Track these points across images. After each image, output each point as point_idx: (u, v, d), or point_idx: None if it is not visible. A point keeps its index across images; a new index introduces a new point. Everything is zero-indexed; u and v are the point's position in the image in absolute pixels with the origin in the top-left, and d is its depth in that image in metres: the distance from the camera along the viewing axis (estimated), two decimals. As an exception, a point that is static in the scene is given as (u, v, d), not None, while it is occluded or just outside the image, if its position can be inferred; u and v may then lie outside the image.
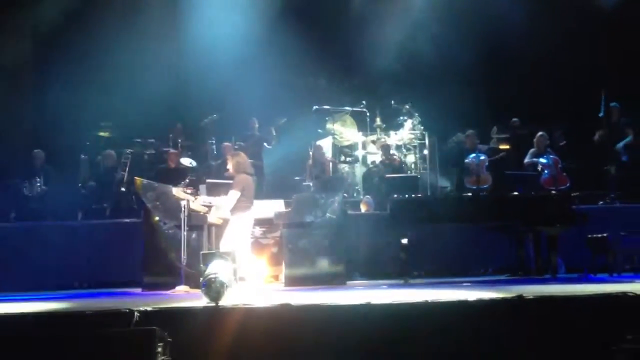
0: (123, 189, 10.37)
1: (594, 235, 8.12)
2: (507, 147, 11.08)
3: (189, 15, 11.87)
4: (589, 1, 11.49)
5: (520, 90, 11.48)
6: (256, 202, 7.75)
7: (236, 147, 10.67)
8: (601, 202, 9.86)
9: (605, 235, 8.03)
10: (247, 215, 7.43)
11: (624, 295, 4.87)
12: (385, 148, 10.87)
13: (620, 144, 10.28)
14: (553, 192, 9.40)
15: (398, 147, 11.10)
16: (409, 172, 10.80)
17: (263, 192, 10.02)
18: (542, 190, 9.60)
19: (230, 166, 7.60)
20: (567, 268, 8.57)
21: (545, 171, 10.01)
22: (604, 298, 4.93)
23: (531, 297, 4.94)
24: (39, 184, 10.08)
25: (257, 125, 11.42)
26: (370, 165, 11.19)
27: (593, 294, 5.11)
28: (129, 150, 10.94)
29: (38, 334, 4.59)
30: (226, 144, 10.91)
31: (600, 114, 10.30)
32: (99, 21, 11.76)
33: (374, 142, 11.35)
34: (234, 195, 7.31)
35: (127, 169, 10.54)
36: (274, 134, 11.37)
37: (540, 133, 10.38)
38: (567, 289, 6.09)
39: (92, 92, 11.31)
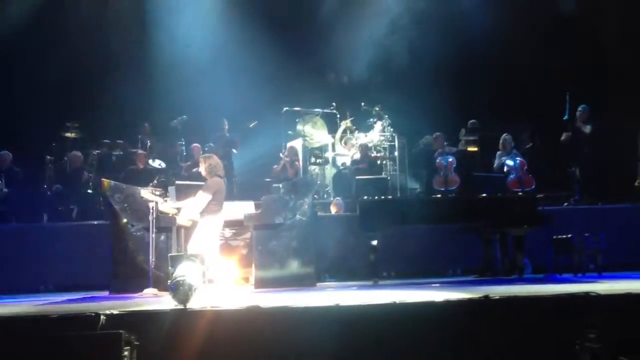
0: (90, 191, 10.23)
1: (559, 236, 8.28)
2: (475, 149, 11.23)
3: (158, 16, 11.76)
4: (556, 5, 11.70)
5: (488, 92, 11.64)
6: (226, 204, 7.70)
7: (206, 148, 10.61)
8: (566, 204, 10.06)
9: (569, 236, 8.19)
10: (216, 218, 7.38)
11: (587, 295, 4.99)
12: (364, 147, 10.92)
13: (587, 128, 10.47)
14: (519, 193, 9.57)
15: (368, 149, 11.16)
16: (383, 173, 10.88)
17: (233, 193, 9.98)
18: (509, 191, 9.76)
19: (202, 169, 7.53)
20: (533, 268, 8.72)
21: (512, 173, 10.18)
22: (568, 298, 5.04)
23: (497, 297, 5.03)
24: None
25: (226, 127, 11.37)
26: (341, 167, 11.22)
27: (557, 293, 5.22)
28: (96, 151, 10.80)
29: (2, 337, 4.50)
30: (196, 145, 10.85)
31: (565, 117, 10.52)
32: (65, 20, 11.59)
33: (344, 142, 11.37)
34: (204, 198, 7.25)
35: (94, 170, 10.40)
36: (238, 140, 11.32)
37: (505, 134, 10.56)
38: (532, 289, 6.21)
39: (58, 92, 11.14)
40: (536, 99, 11.47)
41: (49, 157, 10.72)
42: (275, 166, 10.81)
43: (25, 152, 10.68)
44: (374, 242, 7.84)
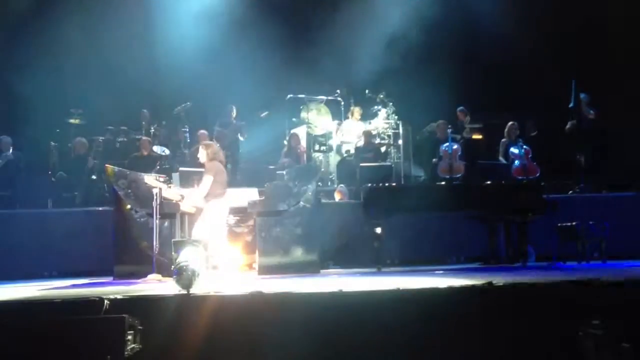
0: (94, 177, 10.23)
1: (564, 224, 8.25)
2: (480, 136, 11.20)
3: (163, 2, 11.71)
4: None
5: (493, 79, 11.57)
6: (230, 191, 7.70)
7: (215, 131, 10.61)
8: (571, 192, 10.03)
9: (574, 224, 8.16)
10: (220, 203, 7.40)
11: (590, 282, 4.98)
12: (367, 134, 10.89)
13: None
14: (524, 181, 9.53)
15: (372, 136, 11.14)
16: (387, 160, 10.85)
17: (237, 180, 9.98)
18: (514, 179, 9.72)
19: (202, 155, 7.54)
20: (537, 256, 8.70)
21: (516, 161, 10.14)
22: (572, 285, 5.03)
23: (501, 284, 5.02)
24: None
25: (234, 114, 11.34)
26: (345, 155, 11.20)
27: (561, 280, 5.21)
28: (101, 138, 10.81)
29: (7, 321, 4.52)
30: (202, 131, 10.82)
31: (571, 105, 10.46)
32: (69, 7, 11.54)
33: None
34: (207, 180, 7.27)
35: (99, 156, 10.41)
36: (244, 127, 11.31)
37: (511, 122, 10.52)
38: (536, 276, 6.19)
39: (62, 78, 11.12)
40: (541, 87, 11.39)
41: (53, 143, 10.74)
42: (283, 157, 10.74)
43: (30, 138, 10.69)
44: (378, 230, 7.83)
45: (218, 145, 7.82)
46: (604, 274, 5.64)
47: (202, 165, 7.63)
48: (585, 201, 9.50)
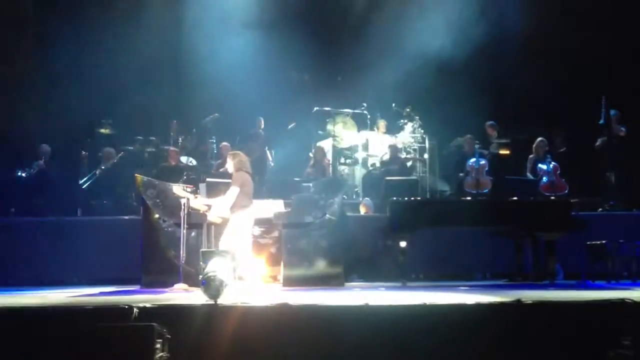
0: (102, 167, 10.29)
1: (593, 242, 8.14)
2: (507, 152, 11.12)
3: (194, 14, 11.88)
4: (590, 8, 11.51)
5: (522, 95, 11.50)
6: (256, 202, 7.74)
7: (241, 146, 10.72)
8: (600, 209, 9.89)
9: (604, 242, 8.04)
10: (246, 214, 7.42)
11: (621, 302, 4.89)
12: (393, 148, 10.89)
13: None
14: (552, 197, 9.43)
15: (398, 150, 11.13)
16: (413, 174, 10.84)
17: (263, 192, 10.03)
18: (541, 195, 9.62)
19: (230, 165, 7.59)
20: (565, 274, 8.59)
21: (544, 177, 10.05)
22: (602, 304, 4.95)
23: (530, 302, 4.96)
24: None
25: (262, 125, 11.43)
26: (371, 168, 11.20)
27: (591, 300, 5.13)
28: (130, 147, 10.98)
29: (37, 327, 4.59)
30: (225, 144, 10.92)
31: (601, 121, 10.35)
32: (101, 17, 11.76)
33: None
34: (233, 191, 7.30)
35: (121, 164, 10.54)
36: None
37: (539, 139, 10.43)
38: (565, 295, 6.11)
39: (93, 88, 11.33)
40: (570, 103, 11.29)
41: (84, 152, 10.93)
42: (309, 169, 10.79)
43: (62, 146, 10.89)
44: (403, 244, 7.79)
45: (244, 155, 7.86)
46: (635, 294, 5.54)
47: (230, 176, 7.68)
48: (615, 219, 9.36)
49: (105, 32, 11.52)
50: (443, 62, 11.42)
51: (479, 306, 4.96)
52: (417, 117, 11.41)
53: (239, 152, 8.00)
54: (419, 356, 4.66)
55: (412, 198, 8.72)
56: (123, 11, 11.93)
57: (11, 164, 10.35)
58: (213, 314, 4.79)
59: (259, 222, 8.09)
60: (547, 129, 10.89)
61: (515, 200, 8.29)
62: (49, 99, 11.09)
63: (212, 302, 5.02)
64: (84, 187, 10.36)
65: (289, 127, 11.56)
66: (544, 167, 10.12)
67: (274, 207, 8.13)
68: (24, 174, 10.20)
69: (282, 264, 7.93)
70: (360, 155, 11.35)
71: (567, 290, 6.95)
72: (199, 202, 7.63)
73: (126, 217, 9.44)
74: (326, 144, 11.33)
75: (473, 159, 10.39)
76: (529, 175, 10.31)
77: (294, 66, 11.54)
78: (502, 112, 11.49)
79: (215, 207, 7.49)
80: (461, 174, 10.58)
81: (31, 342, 4.45)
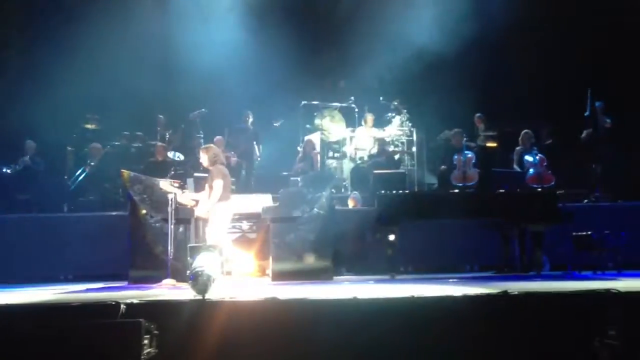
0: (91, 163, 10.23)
1: (579, 233, 8.20)
2: (494, 144, 11.17)
3: (179, 9, 11.79)
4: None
5: (508, 88, 11.54)
6: (243, 197, 7.73)
7: (230, 139, 10.68)
8: (586, 201, 9.97)
9: (589, 233, 8.10)
10: (227, 205, 7.41)
11: (607, 292, 4.94)
12: (381, 141, 10.89)
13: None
14: (538, 189, 9.49)
15: (386, 143, 11.14)
16: (400, 168, 10.85)
17: (251, 186, 10.02)
18: (528, 187, 9.69)
19: (205, 159, 7.56)
20: (551, 265, 8.66)
21: (531, 169, 10.10)
22: (588, 295, 5.00)
23: (516, 293, 5.00)
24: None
25: (250, 119, 11.38)
26: (359, 162, 11.21)
27: (577, 290, 5.18)
28: (116, 143, 10.90)
29: (24, 325, 4.56)
30: (218, 137, 10.85)
31: (586, 113, 10.42)
32: (86, 13, 11.65)
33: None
34: (218, 184, 7.30)
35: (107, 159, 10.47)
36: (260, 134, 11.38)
37: (525, 130, 10.48)
38: (551, 286, 6.17)
39: (79, 83, 11.23)
40: (556, 95, 11.35)
41: (69, 148, 10.84)
42: (298, 164, 10.76)
43: (47, 142, 10.79)
44: (392, 237, 7.82)
45: (218, 148, 7.83)
46: (620, 284, 5.60)
47: (205, 170, 7.64)
48: (601, 210, 9.44)
49: (91, 27, 11.40)
50: (431, 55, 11.42)
51: (466, 298, 5.00)
52: (405, 110, 11.41)
53: (211, 145, 7.98)
54: (408, 348, 4.68)
55: (400, 191, 8.73)
56: (108, 8, 11.82)
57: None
58: (201, 309, 4.79)
59: (247, 216, 8.10)
60: (534, 121, 10.94)
61: (502, 192, 8.33)
62: (34, 94, 10.98)
63: (200, 297, 5.02)
64: (72, 187, 10.28)
65: (275, 124, 11.52)
66: (530, 158, 10.17)
67: (262, 201, 8.12)
68: (9, 170, 10.14)
69: (270, 258, 7.92)
70: (348, 149, 11.34)
71: (553, 281, 7.01)
72: (186, 197, 7.60)
73: (113, 213, 9.39)
74: (314, 138, 11.31)
75: (460, 152, 10.42)
76: (516, 167, 10.36)
77: (281, 60, 11.46)
78: (490, 105, 11.54)
79: (202, 202, 7.47)
80: (443, 167, 10.60)
81: (18, 339, 4.42)
